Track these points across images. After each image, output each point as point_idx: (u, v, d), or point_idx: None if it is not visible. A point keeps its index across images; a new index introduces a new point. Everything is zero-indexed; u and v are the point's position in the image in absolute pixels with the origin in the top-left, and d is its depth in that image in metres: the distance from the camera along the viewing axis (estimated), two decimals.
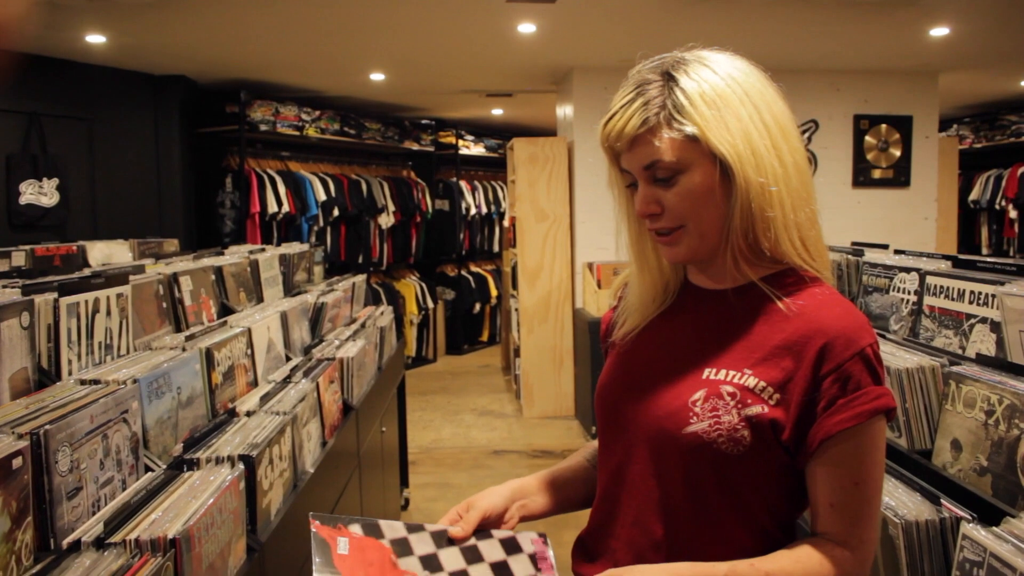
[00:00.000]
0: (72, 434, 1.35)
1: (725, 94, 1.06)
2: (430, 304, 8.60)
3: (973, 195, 8.16)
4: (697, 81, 1.06)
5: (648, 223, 1.13)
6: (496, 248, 9.62)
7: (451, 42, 5.27)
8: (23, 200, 5.04)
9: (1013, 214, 7.70)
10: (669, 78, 1.07)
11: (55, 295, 1.67)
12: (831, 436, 1.02)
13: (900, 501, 1.40)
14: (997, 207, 7.92)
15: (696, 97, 1.05)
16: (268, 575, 1.68)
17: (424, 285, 8.60)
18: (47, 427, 1.28)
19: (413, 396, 7.02)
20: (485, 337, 9.50)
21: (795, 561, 1.02)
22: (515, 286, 6.76)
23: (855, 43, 5.31)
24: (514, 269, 6.83)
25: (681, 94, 1.06)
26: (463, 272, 9.17)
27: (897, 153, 6.18)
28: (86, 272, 2.17)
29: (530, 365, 6.40)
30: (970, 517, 1.32)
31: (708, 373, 1.08)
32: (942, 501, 1.37)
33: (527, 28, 4.82)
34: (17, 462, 1.19)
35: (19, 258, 3.79)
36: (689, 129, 1.05)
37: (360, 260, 7.56)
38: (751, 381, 1.05)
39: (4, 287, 1.80)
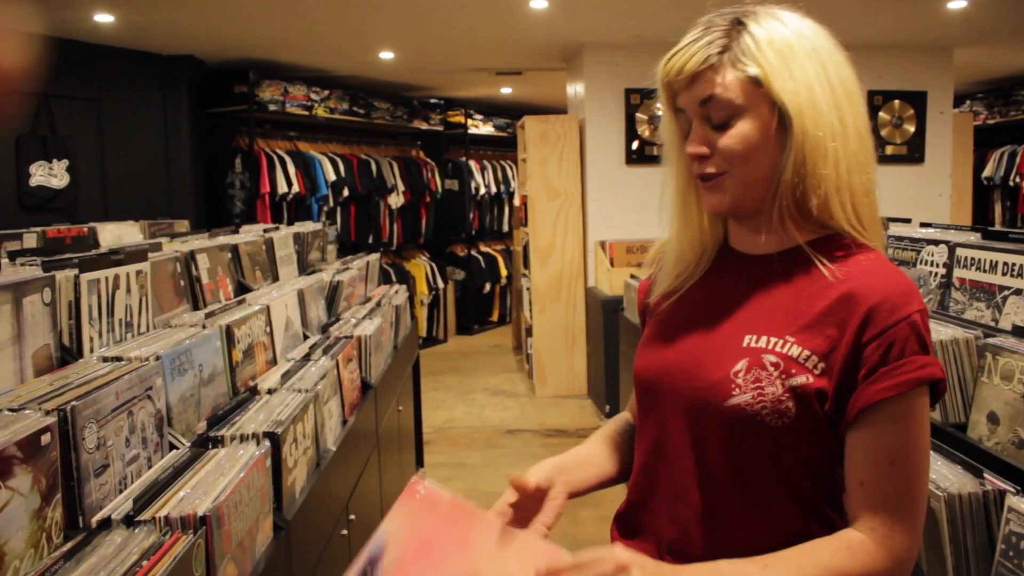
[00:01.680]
0: (98, 411, 1.33)
1: (793, 45, 1.04)
2: (440, 284, 8.58)
3: (987, 171, 8.08)
4: (767, 29, 1.05)
5: (695, 166, 1.09)
6: (506, 228, 9.57)
7: (462, 19, 5.21)
8: (33, 182, 5.02)
9: None
10: (740, 24, 1.06)
11: (76, 271, 1.65)
12: (870, 405, 0.98)
13: (941, 474, 1.38)
14: (1011, 183, 7.84)
15: (764, 42, 1.03)
16: (294, 553, 1.66)
17: (434, 265, 8.57)
18: (74, 403, 1.26)
19: (425, 376, 6.99)
20: (495, 317, 9.48)
21: (804, 551, 0.98)
22: (526, 265, 6.73)
23: (870, 17, 5.22)
24: (525, 248, 6.80)
25: (749, 37, 1.04)
26: (473, 252, 9.13)
27: (911, 129, 6.10)
28: (104, 249, 2.15)
29: (542, 344, 6.38)
30: (1014, 490, 1.29)
31: (748, 340, 1.05)
32: (984, 474, 1.34)
33: (539, 4, 4.76)
34: (45, 438, 1.17)
35: (30, 240, 3.78)
36: (752, 70, 1.03)
37: (370, 240, 7.53)
38: (794, 350, 1.02)
39: (24, 264, 1.78)
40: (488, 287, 9.22)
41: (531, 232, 6.35)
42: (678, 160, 1.13)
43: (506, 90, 8.40)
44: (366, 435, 2.64)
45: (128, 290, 1.85)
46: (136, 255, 1.90)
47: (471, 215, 8.97)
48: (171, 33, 5.30)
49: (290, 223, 5.92)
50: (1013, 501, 1.24)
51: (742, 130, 1.04)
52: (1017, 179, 7.74)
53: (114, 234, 4.33)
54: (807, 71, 1.03)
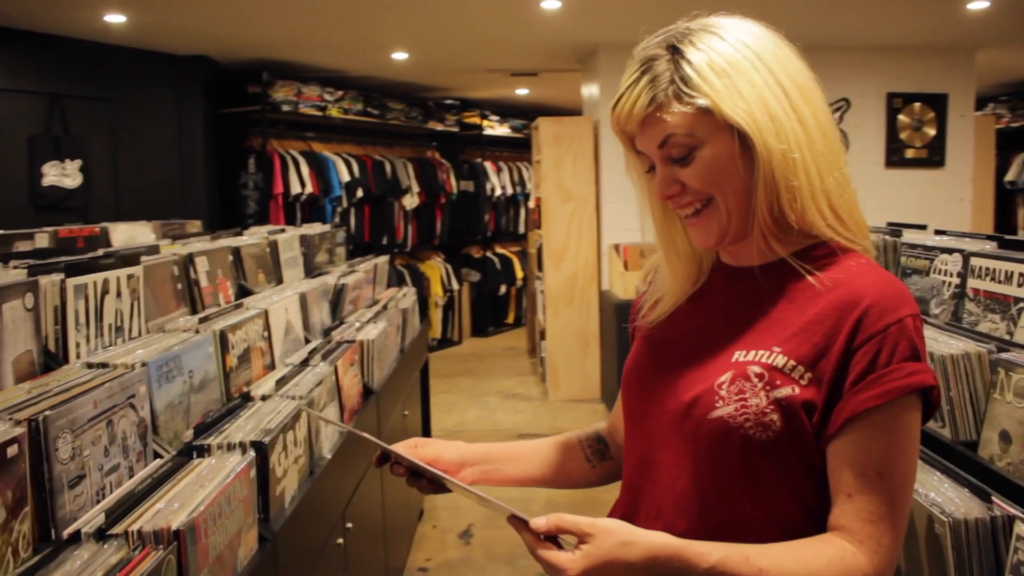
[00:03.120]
0: (74, 420, 1.29)
1: (735, 60, 0.99)
2: (455, 286, 8.54)
3: (1010, 175, 7.94)
4: (704, 51, 0.99)
5: (672, 205, 1.06)
6: (521, 229, 9.53)
7: (474, 19, 5.17)
8: (46, 182, 5.03)
9: None
10: (675, 51, 1.01)
11: (61, 276, 1.62)
12: (856, 415, 0.93)
13: (947, 497, 1.31)
14: None
15: (704, 67, 0.98)
16: (281, 565, 1.62)
17: (449, 267, 8.53)
18: (47, 413, 1.23)
19: (438, 378, 6.97)
20: (511, 319, 9.44)
21: (798, 560, 0.92)
22: (540, 268, 6.68)
23: (889, 18, 5.14)
24: (539, 250, 6.75)
25: (688, 66, 0.99)
26: (488, 254, 9.10)
27: (932, 132, 6.00)
28: (99, 252, 2.12)
29: (556, 348, 6.33)
30: None
31: (737, 355, 1.01)
32: (993, 498, 1.28)
33: (551, 4, 4.71)
34: (12, 450, 1.14)
35: (42, 240, 3.77)
36: (700, 102, 0.98)
37: (384, 241, 7.51)
38: (780, 360, 0.98)
39: (15, 267, 1.76)
40: (503, 289, 9.17)
41: (544, 234, 6.30)
42: (651, 197, 1.09)
43: (522, 91, 8.36)
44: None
45: (119, 294, 1.82)
46: (127, 259, 1.87)
47: (487, 216, 8.93)
48: (184, 33, 5.30)
49: (304, 224, 5.91)
50: (1022, 529, 1.18)
51: (706, 161, 1.00)
52: None
53: (126, 234, 4.32)
54: (755, 84, 0.98)
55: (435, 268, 8.34)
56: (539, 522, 0.92)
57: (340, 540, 2.17)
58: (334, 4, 4.66)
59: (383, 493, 2.86)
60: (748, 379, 0.98)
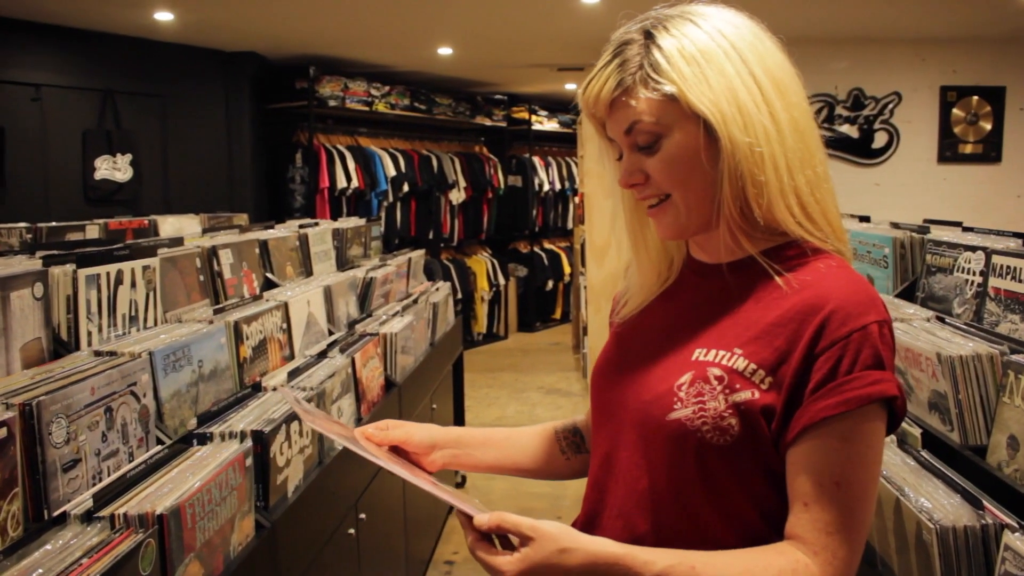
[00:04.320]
0: (69, 406, 1.33)
1: (708, 49, 0.96)
2: (501, 281, 8.56)
3: None
4: (678, 37, 0.97)
5: (636, 195, 1.04)
6: (570, 225, 9.49)
7: (516, 14, 5.17)
8: (98, 175, 5.18)
9: None
10: (649, 36, 0.99)
11: (74, 266, 1.66)
12: (814, 424, 0.91)
13: (937, 503, 1.28)
14: None
15: (675, 54, 0.96)
16: (280, 553, 1.65)
17: (496, 261, 8.56)
18: (41, 398, 1.27)
19: (481, 373, 7.01)
20: (558, 315, 9.42)
21: (747, 571, 0.90)
22: (584, 263, 6.65)
23: (943, 9, 4.99)
24: (583, 246, 6.72)
25: (658, 52, 0.97)
26: (536, 249, 9.10)
27: (987, 127, 5.80)
28: (118, 245, 2.18)
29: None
30: (1016, 524, 1.19)
31: (698, 354, 0.99)
32: (985, 505, 1.24)
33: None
34: (2, 433, 1.18)
35: (93, 231, 3.89)
36: (667, 88, 0.96)
37: (431, 236, 7.56)
38: (740, 363, 0.95)
39: (40, 258, 1.81)
40: (551, 284, 9.17)
41: (587, 230, 6.26)
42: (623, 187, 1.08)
43: (570, 86, 8.32)
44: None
45: (133, 285, 1.86)
46: (143, 251, 1.92)
47: (534, 212, 8.93)
48: (232, 30, 5.40)
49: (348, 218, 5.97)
50: (1010, 539, 1.13)
51: (670, 151, 0.98)
52: None
53: (174, 226, 4.43)
54: (727, 74, 0.96)
55: (481, 263, 8.37)
56: (481, 519, 0.92)
57: (351, 530, 2.19)
58: (378, 0, 4.69)
59: (405, 485, 2.88)
60: (707, 381, 0.96)
